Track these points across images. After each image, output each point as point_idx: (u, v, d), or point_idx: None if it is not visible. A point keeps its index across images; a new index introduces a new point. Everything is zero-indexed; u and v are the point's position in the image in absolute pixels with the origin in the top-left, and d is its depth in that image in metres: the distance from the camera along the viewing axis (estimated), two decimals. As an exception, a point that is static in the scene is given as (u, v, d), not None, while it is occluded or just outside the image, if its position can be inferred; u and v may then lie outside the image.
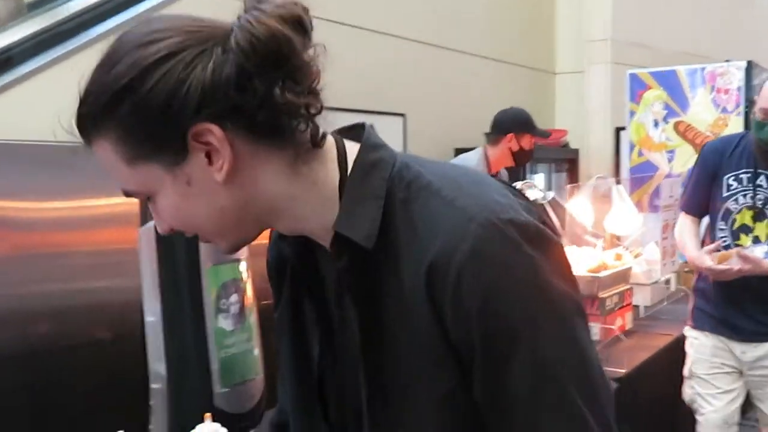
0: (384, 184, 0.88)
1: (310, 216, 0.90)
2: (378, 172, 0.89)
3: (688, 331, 2.96)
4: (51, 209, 2.42)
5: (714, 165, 2.85)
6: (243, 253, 1.69)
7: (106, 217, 2.53)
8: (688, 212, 2.96)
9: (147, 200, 0.90)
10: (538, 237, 0.85)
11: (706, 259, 2.73)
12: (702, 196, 2.90)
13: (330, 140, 0.91)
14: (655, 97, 5.05)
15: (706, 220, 2.96)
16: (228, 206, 0.87)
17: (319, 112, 0.87)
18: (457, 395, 0.86)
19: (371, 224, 0.87)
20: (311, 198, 0.89)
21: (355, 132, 0.94)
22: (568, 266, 0.89)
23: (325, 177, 0.89)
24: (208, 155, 0.84)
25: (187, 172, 0.85)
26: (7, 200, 2.32)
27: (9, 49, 2.60)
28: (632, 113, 5.12)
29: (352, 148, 0.91)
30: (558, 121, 6.28)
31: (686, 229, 2.93)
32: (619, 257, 3.45)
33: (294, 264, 0.99)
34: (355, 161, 0.90)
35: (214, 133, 0.82)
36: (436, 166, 0.91)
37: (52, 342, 2.38)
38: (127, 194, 0.89)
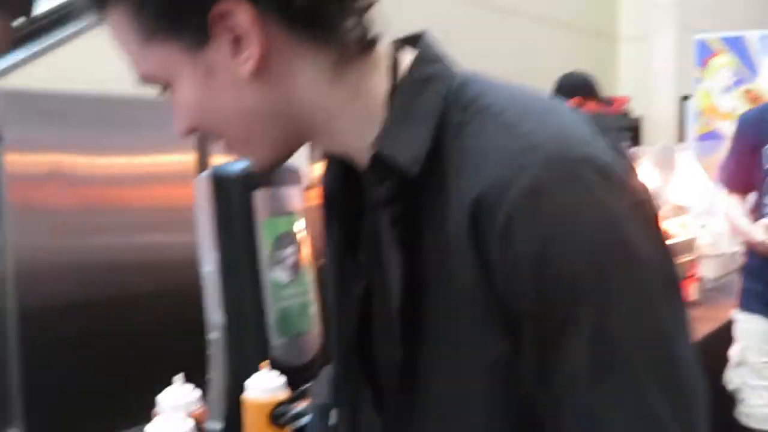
0: (439, 102, 0.74)
1: (350, 133, 0.77)
2: (433, 88, 0.75)
3: (737, 314, 2.78)
4: (111, 164, 2.45)
5: (753, 136, 2.69)
6: (298, 205, 1.68)
7: (164, 174, 2.56)
8: (732, 190, 2.81)
9: (165, 89, 0.79)
10: (622, 185, 0.69)
11: (759, 233, 2.59)
12: (744, 171, 2.74)
13: (382, 48, 0.77)
14: (722, 63, 4.88)
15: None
16: (255, 108, 0.75)
17: (370, 6, 0.74)
18: (506, 365, 0.71)
19: (418, 147, 0.72)
20: (353, 111, 0.76)
21: (413, 41, 0.79)
22: (660, 230, 0.72)
23: (372, 88, 0.76)
24: (235, 42, 0.72)
25: (209, 60, 0.73)
26: (68, 154, 2.35)
27: (71, 2, 2.62)
28: (699, 80, 4.95)
29: (408, 59, 0.77)
30: (620, 88, 6.13)
31: (733, 207, 2.78)
32: (684, 227, 3.35)
33: (340, 201, 0.86)
34: (408, 73, 0.76)
35: (242, 15, 0.70)
36: (503, 88, 0.76)
37: (112, 292, 2.43)
38: (145, 79, 0.78)
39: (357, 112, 0.76)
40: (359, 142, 0.76)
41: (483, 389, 0.72)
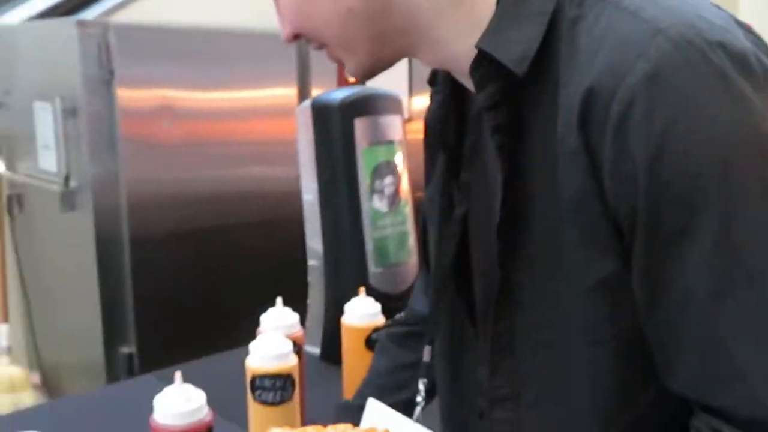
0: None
1: (454, 38, 0.71)
2: None
3: None
4: (216, 99, 2.51)
5: None
6: (397, 135, 1.67)
7: (267, 107, 2.60)
8: None
9: None
10: (764, 75, 0.60)
11: None
12: None
13: None
14: None
15: None
16: (357, 8, 0.71)
17: None
18: (611, 287, 0.65)
19: (527, 45, 0.66)
20: (458, 13, 0.70)
21: None
22: None
23: None
24: None
25: None
26: (175, 89, 2.42)
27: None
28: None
29: None
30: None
31: None
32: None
33: (445, 125, 0.81)
34: None
35: None
36: None
37: (217, 222, 2.52)
38: None
39: (462, 14, 0.70)
40: (464, 48, 0.70)
41: (585, 313, 0.67)
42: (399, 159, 1.67)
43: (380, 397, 0.98)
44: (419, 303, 1.12)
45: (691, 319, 0.60)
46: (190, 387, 0.99)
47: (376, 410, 0.86)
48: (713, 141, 0.58)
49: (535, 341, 0.71)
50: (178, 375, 0.99)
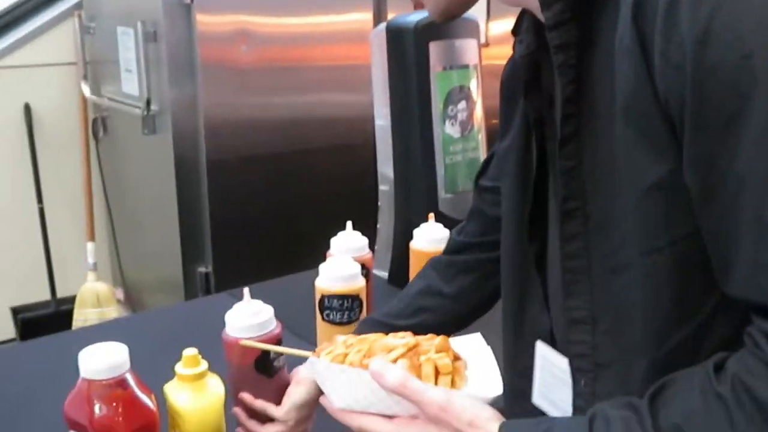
0: None
1: None
2: None
3: None
4: (292, 24, 2.50)
5: None
6: (473, 59, 1.63)
7: (342, 33, 2.59)
8: None
9: None
10: None
11: None
12: None
13: None
14: None
15: None
16: None
17: None
18: (669, 188, 0.64)
19: None
20: None
21: None
22: None
23: None
24: None
25: None
26: (253, 14, 2.42)
27: None
28: None
29: None
30: None
31: None
32: None
33: (528, 71, 0.79)
34: None
35: None
36: None
37: (291, 146, 2.55)
38: None
39: None
40: None
41: (641, 220, 0.66)
42: (473, 84, 1.64)
43: (396, 318, 1.04)
44: (463, 233, 1.13)
45: (745, 207, 0.59)
46: (258, 302, 1.02)
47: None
48: (761, 24, 0.57)
49: (601, 258, 0.71)
50: (246, 291, 1.02)
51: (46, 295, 2.95)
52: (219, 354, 1.00)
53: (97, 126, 2.93)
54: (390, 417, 0.74)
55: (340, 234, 1.37)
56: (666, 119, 0.62)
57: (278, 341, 0.98)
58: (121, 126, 2.81)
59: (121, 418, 0.83)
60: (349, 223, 1.36)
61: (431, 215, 1.41)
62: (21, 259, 2.92)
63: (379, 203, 1.65)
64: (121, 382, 0.84)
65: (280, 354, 0.97)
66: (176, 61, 2.41)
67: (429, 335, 0.80)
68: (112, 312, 2.87)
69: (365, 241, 1.37)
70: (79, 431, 0.84)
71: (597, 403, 0.70)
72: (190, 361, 0.90)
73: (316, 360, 0.77)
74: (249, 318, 0.98)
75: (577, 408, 0.77)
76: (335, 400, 0.76)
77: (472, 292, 1.09)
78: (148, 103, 2.49)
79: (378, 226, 1.66)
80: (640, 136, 0.64)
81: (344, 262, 1.27)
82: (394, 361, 0.75)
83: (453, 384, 0.75)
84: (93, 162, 2.97)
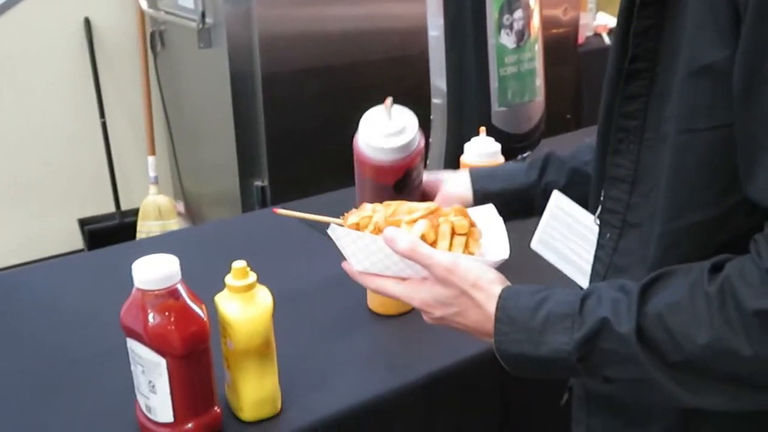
0: None
1: None
2: None
3: None
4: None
5: None
6: (531, -34, 1.57)
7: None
8: None
9: None
10: None
11: None
12: None
13: None
14: None
15: None
16: None
17: None
18: (717, 74, 0.64)
19: None
20: None
21: None
22: None
23: None
24: None
25: None
26: None
27: None
28: None
29: None
30: None
31: None
32: None
33: None
34: None
35: None
36: None
37: (345, 59, 2.52)
38: None
39: None
40: None
41: (684, 98, 0.67)
42: (531, -8, 1.58)
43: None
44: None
45: None
46: (403, 113, 0.99)
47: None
48: None
49: (655, 124, 0.72)
50: (389, 100, 0.99)
51: (110, 208, 3.04)
52: (268, 265, 1.02)
53: (155, 40, 2.94)
54: (403, 279, 0.81)
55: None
56: (732, 4, 0.62)
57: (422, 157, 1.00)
58: (178, 39, 2.81)
59: (173, 327, 0.85)
60: (400, 137, 1.34)
61: (483, 129, 1.39)
62: (86, 173, 3.00)
63: (431, 116, 1.63)
64: (173, 293, 0.86)
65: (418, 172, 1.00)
66: (230, -27, 2.38)
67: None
68: (173, 224, 2.94)
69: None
70: (135, 338, 0.88)
71: (617, 256, 0.77)
72: (240, 273, 0.92)
73: (337, 227, 0.82)
74: (392, 138, 0.96)
75: (597, 259, 0.82)
76: (354, 263, 0.82)
77: None
78: (203, 16, 2.48)
79: (430, 139, 1.64)
80: (709, 14, 0.64)
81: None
82: (415, 221, 0.81)
83: (467, 245, 0.81)
84: (152, 76, 3.00)
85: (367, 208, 0.86)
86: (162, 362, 0.87)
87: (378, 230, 0.82)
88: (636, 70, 0.73)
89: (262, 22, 2.40)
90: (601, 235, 0.81)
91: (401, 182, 0.98)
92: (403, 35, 2.56)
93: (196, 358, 0.89)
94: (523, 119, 1.59)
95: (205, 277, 0.96)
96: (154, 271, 0.86)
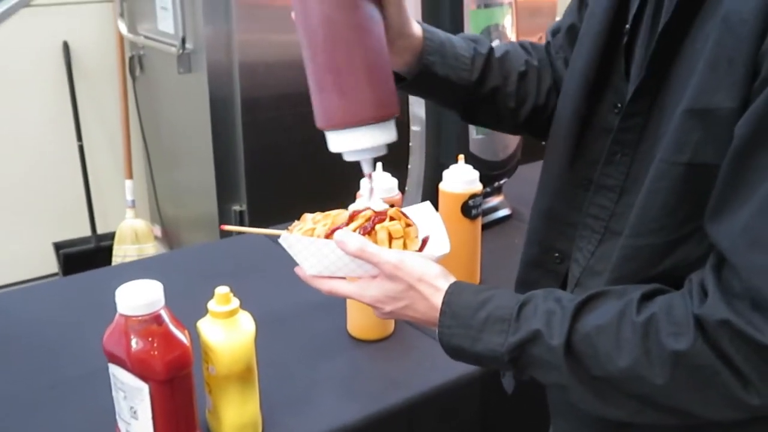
0: None
1: None
2: None
3: None
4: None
5: None
6: (508, -2, 1.61)
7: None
8: None
9: None
10: None
11: None
12: None
13: None
14: None
15: None
16: None
17: None
18: (715, 117, 0.66)
19: None
20: None
21: None
22: None
23: None
24: None
25: None
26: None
27: None
28: None
29: None
30: None
31: None
32: None
33: None
34: None
35: None
36: None
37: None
38: None
39: None
40: None
41: (677, 128, 0.69)
42: (508, 22, 1.61)
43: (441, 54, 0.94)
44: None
45: None
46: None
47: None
48: None
49: (651, 139, 0.75)
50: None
51: (86, 231, 3.02)
52: (249, 289, 1.03)
53: (134, 64, 2.94)
54: (353, 279, 0.85)
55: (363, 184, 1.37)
56: (753, 60, 0.63)
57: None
58: (158, 64, 2.82)
59: (156, 353, 0.86)
60: (379, 165, 1.36)
61: (461, 156, 1.41)
62: (62, 196, 2.98)
63: (410, 143, 1.65)
64: (157, 318, 0.87)
65: None
66: (211, -1, 2.40)
67: (386, 207, 0.89)
68: (150, 248, 2.93)
69: (395, 182, 1.38)
70: (118, 363, 0.88)
71: (594, 261, 0.82)
72: (222, 298, 0.93)
73: (288, 235, 0.86)
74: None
75: (574, 261, 0.86)
76: (307, 268, 0.86)
77: (525, 83, 1.01)
78: (183, 41, 2.49)
79: (408, 166, 1.66)
80: (724, 60, 0.65)
81: (374, 203, 1.28)
82: (354, 230, 0.85)
83: (405, 246, 0.85)
84: (130, 100, 3.00)
85: (308, 219, 0.90)
86: (144, 387, 0.87)
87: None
88: (644, 87, 0.75)
89: (242, 47, 2.42)
90: (581, 237, 0.85)
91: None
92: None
93: (178, 384, 0.89)
94: (500, 147, 1.62)
95: (186, 302, 0.97)
96: (138, 297, 0.86)
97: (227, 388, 0.95)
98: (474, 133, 1.57)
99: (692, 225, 0.70)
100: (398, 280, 0.81)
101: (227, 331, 0.93)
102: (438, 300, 0.80)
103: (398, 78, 0.95)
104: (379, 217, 0.86)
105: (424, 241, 0.87)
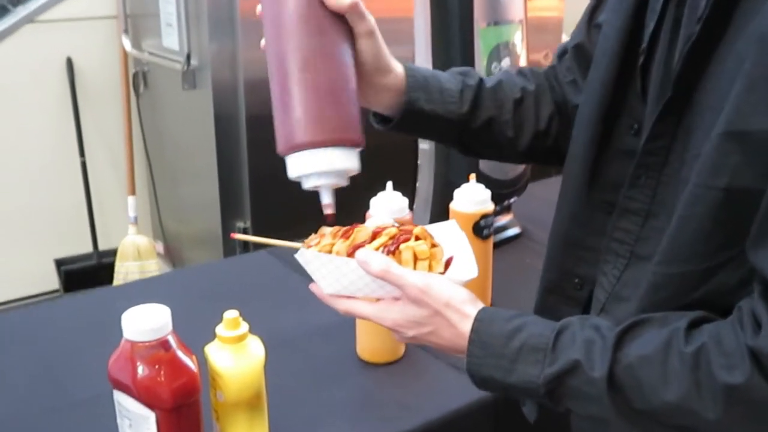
0: None
1: None
2: None
3: None
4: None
5: None
6: (518, 14, 1.59)
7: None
8: None
9: None
10: None
11: None
12: None
13: None
14: None
15: None
16: None
17: None
18: (752, 141, 0.63)
19: None
20: None
21: None
22: None
23: None
24: None
25: None
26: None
27: None
28: None
29: None
30: None
31: None
32: None
33: None
34: None
35: None
36: None
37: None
38: None
39: None
40: None
41: (712, 151, 0.66)
42: (518, 39, 1.59)
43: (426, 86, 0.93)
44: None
45: None
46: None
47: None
48: None
49: (676, 163, 0.72)
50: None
51: (88, 248, 2.99)
52: (256, 311, 1.00)
53: (138, 80, 2.93)
54: (374, 300, 0.81)
55: (380, 194, 1.35)
56: None
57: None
58: (162, 80, 2.81)
59: (163, 379, 0.83)
60: (389, 184, 1.33)
61: (472, 176, 1.38)
62: (64, 213, 2.96)
63: (419, 161, 1.63)
64: (164, 344, 0.84)
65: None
66: (216, 16, 2.38)
67: (409, 224, 0.85)
68: (152, 265, 2.90)
69: (405, 201, 1.35)
70: (123, 390, 0.85)
71: (620, 286, 0.78)
72: (231, 323, 0.90)
73: (305, 250, 0.81)
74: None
75: (599, 285, 0.82)
76: (324, 287, 0.82)
77: (526, 114, 0.99)
78: (188, 57, 2.48)
79: (417, 185, 1.63)
80: (764, 80, 0.62)
81: (383, 222, 1.25)
82: (377, 248, 0.80)
83: (430, 268, 0.81)
84: (134, 116, 2.98)
85: (327, 233, 0.85)
86: (151, 416, 0.84)
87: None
88: (670, 107, 0.72)
89: (247, 64, 2.41)
90: (605, 262, 0.81)
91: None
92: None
93: (185, 412, 0.86)
94: (510, 166, 1.59)
95: (192, 324, 0.94)
96: (145, 322, 0.83)
97: (236, 415, 0.92)
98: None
99: (729, 252, 0.67)
100: (424, 305, 0.77)
101: (236, 356, 0.90)
102: (466, 327, 0.76)
103: (385, 119, 0.95)
104: (404, 235, 0.81)
105: (448, 262, 0.82)
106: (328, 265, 0.80)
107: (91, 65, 2.92)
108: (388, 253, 0.79)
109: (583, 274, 0.87)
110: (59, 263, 2.95)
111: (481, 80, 0.97)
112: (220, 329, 0.91)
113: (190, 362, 0.86)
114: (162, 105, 2.88)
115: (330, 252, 0.81)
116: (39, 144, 2.89)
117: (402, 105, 0.91)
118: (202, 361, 0.91)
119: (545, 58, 3.03)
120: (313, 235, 0.86)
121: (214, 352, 0.91)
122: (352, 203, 1.48)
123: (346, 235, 0.83)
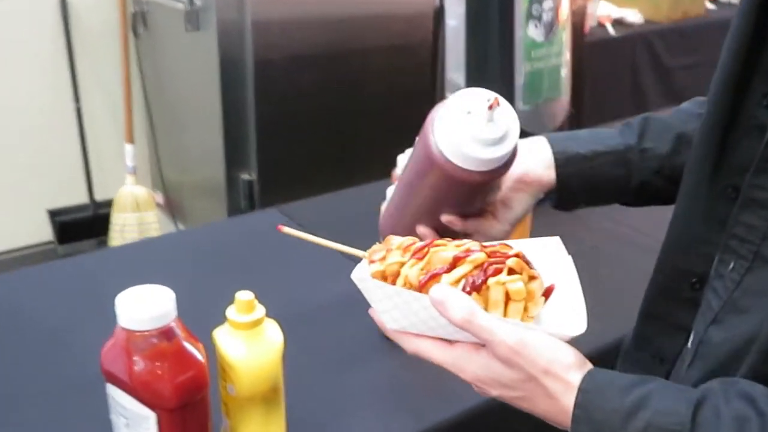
0: None
1: None
2: None
3: None
4: None
5: None
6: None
7: None
8: None
9: None
10: None
11: None
12: None
13: None
14: None
15: None
16: None
17: None
18: None
19: None
20: None
21: None
22: None
23: None
24: None
25: None
26: None
27: None
28: None
29: None
30: None
31: None
32: None
33: None
34: None
35: None
36: None
37: (343, 46, 2.39)
38: None
39: None
40: None
41: None
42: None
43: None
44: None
45: None
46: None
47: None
48: None
49: None
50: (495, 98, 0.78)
51: (83, 198, 2.88)
52: (266, 282, 0.87)
53: (137, 21, 2.77)
54: (450, 342, 0.64)
55: (408, 152, 1.21)
56: None
57: None
58: (163, 21, 2.65)
59: (165, 375, 0.70)
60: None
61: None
62: (58, 161, 2.83)
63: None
64: (166, 333, 0.70)
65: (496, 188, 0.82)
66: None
67: (501, 243, 0.66)
68: (151, 217, 2.79)
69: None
70: (118, 385, 0.72)
71: (739, 293, 0.64)
72: (245, 306, 0.76)
73: (366, 278, 0.65)
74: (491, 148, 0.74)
75: (713, 290, 0.68)
76: (387, 321, 0.66)
77: None
78: (191, -4, 2.33)
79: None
80: None
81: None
82: (458, 281, 0.63)
83: (525, 310, 0.64)
84: (132, 60, 2.83)
85: (394, 245, 0.68)
86: (151, 416, 0.71)
87: (409, 285, 0.64)
88: None
89: (255, 4, 2.27)
90: (722, 262, 0.67)
91: (475, 198, 0.80)
92: (405, 21, 2.43)
93: (191, 410, 0.74)
94: (548, 118, 1.45)
95: (196, 298, 0.81)
96: (144, 310, 0.70)
97: (249, 410, 0.79)
98: (521, 103, 1.41)
99: None
100: (516, 367, 0.61)
101: (250, 345, 0.77)
102: (569, 401, 0.60)
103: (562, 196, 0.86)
104: (494, 265, 0.63)
105: (547, 292, 0.65)
106: (395, 297, 0.64)
107: (86, 4, 2.75)
108: (471, 289, 0.62)
109: (701, 273, 0.72)
110: (53, 214, 2.84)
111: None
112: (231, 313, 0.77)
113: (197, 353, 0.73)
114: (163, 47, 2.73)
115: (398, 273, 0.65)
116: (31, 89, 2.74)
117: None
118: (209, 348, 0.77)
119: (572, 2, 2.86)
120: (377, 245, 0.69)
121: (224, 338, 0.77)
122: (362, 156, 1.36)
123: (419, 255, 0.66)
